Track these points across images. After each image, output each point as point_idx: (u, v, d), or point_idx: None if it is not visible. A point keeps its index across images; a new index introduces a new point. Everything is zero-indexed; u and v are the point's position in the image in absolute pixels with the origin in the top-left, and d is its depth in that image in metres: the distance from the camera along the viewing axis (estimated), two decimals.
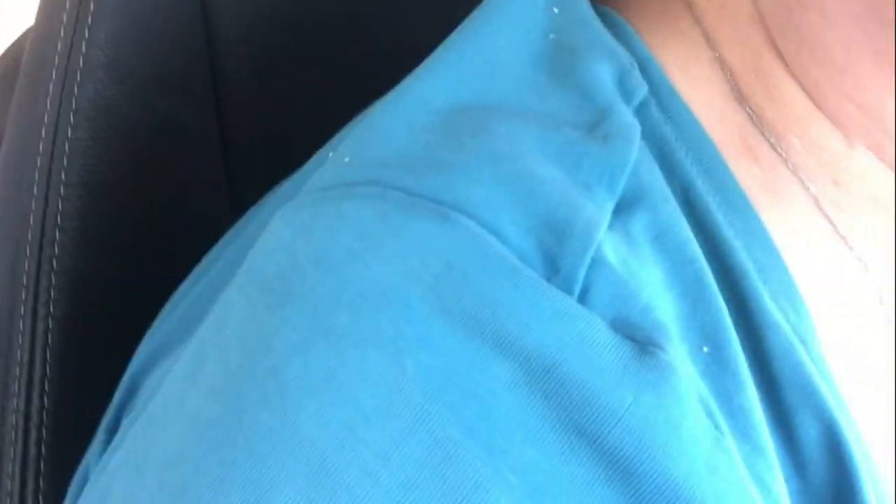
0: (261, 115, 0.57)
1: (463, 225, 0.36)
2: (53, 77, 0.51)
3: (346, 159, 0.40)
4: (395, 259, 0.35)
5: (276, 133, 0.57)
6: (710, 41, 0.45)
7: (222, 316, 0.38)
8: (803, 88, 0.44)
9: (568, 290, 0.36)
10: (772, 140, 0.45)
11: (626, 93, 0.43)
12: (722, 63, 0.45)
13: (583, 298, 0.36)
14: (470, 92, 0.42)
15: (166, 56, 0.53)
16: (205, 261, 0.48)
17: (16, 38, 0.70)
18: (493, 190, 0.37)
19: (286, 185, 0.46)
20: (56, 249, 0.49)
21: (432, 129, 0.40)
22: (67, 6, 0.51)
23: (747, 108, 0.45)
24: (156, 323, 0.48)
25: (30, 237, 0.50)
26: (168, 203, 0.55)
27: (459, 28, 0.45)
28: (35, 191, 0.50)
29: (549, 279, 0.36)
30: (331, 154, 0.42)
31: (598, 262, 0.37)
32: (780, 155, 0.45)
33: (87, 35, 0.51)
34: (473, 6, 0.47)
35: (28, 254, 0.50)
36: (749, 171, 0.45)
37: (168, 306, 0.48)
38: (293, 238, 0.37)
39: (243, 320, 0.37)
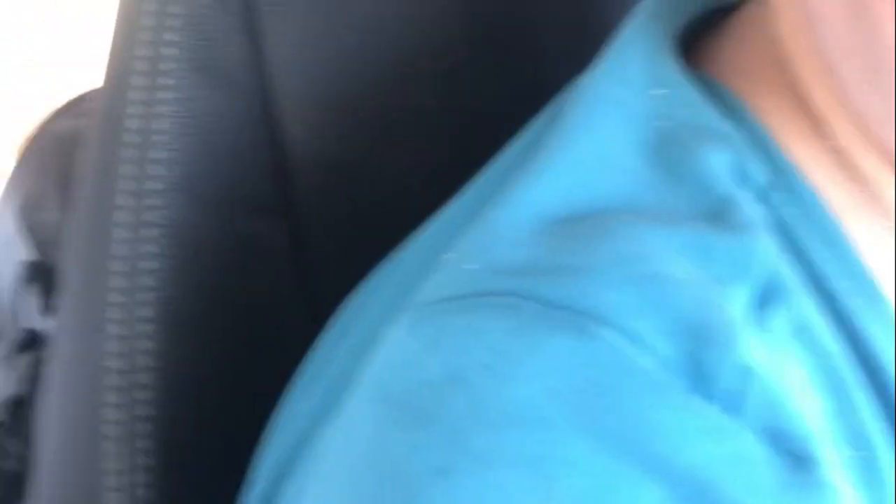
0: (334, 226, 0.53)
1: (602, 336, 0.35)
2: (122, 203, 0.47)
3: (469, 266, 0.39)
4: (535, 376, 0.34)
5: (352, 243, 0.54)
6: (811, 104, 0.43)
7: (349, 435, 0.37)
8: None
9: (714, 401, 0.35)
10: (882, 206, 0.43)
11: (744, 178, 0.41)
12: (822, 125, 0.43)
13: (731, 409, 0.35)
14: (586, 194, 0.40)
15: (235, 171, 0.50)
16: (306, 375, 0.46)
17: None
18: (628, 294, 0.36)
19: (388, 280, 0.45)
20: (141, 394, 0.46)
21: (555, 235, 0.39)
22: (127, 125, 0.47)
23: (859, 175, 0.43)
24: (265, 448, 0.45)
25: (115, 382, 0.46)
26: (246, 322, 0.51)
27: (564, 119, 0.43)
28: (111, 330, 0.46)
29: (694, 389, 0.35)
30: (445, 257, 0.40)
31: (743, 366, 0.35)
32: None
33: (152, 155, 0.47)
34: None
35: (116, 401, 0.46)
36: (865, 240, 0.42)
37: (276, 427, 0.45)
38: (421, 352, 0.36)
39: (373, 440, 0.35)
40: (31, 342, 0.75)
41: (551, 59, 0.57)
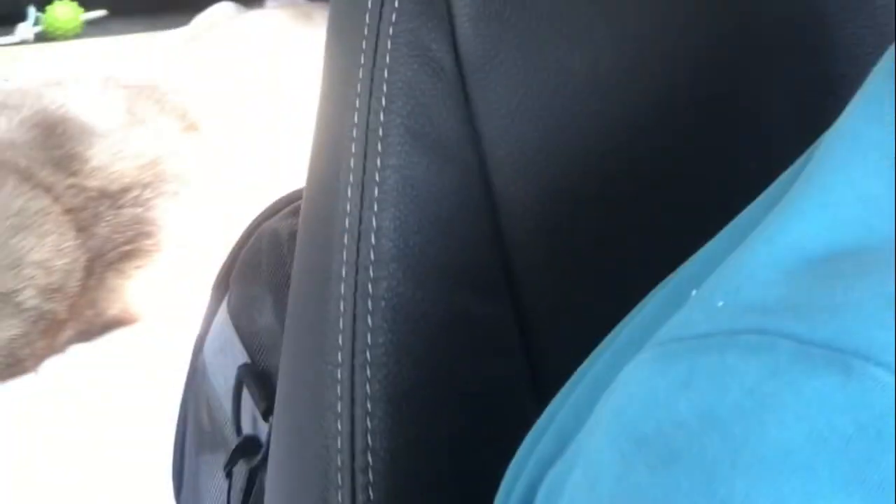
0: (559, 303, 0.50)
1: (870, 375, 0.32)
2: (343, 274, 0.45)
3: (720, 303, 0.37)
4: (796, 419, 0.32)
5: (579, 321, 0.50)
6: None
7: (593, 472, 0.36)
8: None
9: None
10: None
11: None
12: None
13: None
14: (848, 234, 0.38)
15: (456, 244, 0.48)
16: (535, 430, 0.44)
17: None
18: None
19: (629, 330, 0.43)
20: (370, 476, 0.43)
21: (813, 274, 0.37)
22: (349, 194, 0.46)
23: None
24: None
25: (339, 463, 0.43)
26: (471, 402, 0.48)
27: (818, 160, 0.41)
28: (339, 408, 0.44)
29: None
30: (694, 292, 0.39)
31: None
32: None
33: (374, 224, 0.45)
34: None
35: (340, 483, 0.43)
36: None
37: (504, 485, 0.44)
38: (671, 391, 0.35)
39: (620, 479, 0.34)
40: (250, 449, 0.73)
41: (775, 125, 0.54)
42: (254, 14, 1.98)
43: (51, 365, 1.42)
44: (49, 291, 1.40)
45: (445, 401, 0.47)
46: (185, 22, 2.04)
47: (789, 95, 0.53)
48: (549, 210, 0.50)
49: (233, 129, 1.67)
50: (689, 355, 0.36)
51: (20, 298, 1.39)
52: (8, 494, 1.32)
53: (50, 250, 1.41)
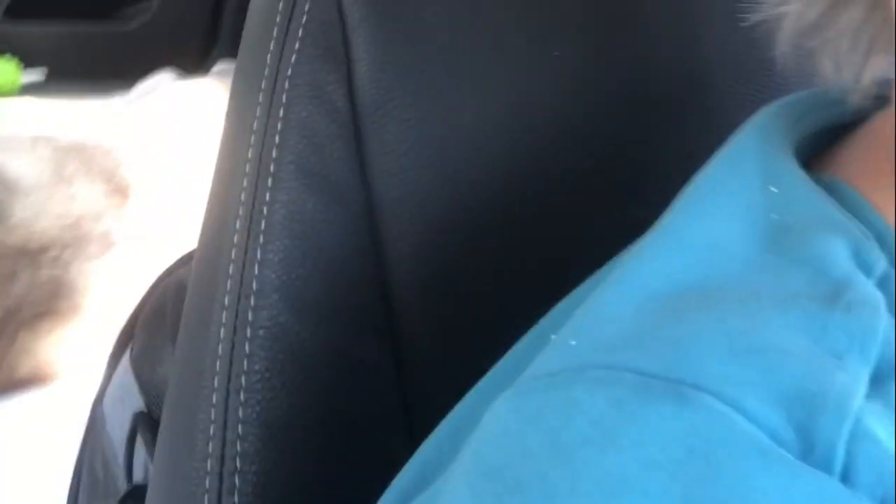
0: (438, 348, 0.51)
1: (702, 404, 0.34)
2: (226, 302, 0.46)
3: (573, 342, 0.39)
4: (632, 446, 0.34)
5: (458, 366, 0.52)
6: None
7: None
8: None
9: (827, 469, 0.33)
10: None
11: (864, 266, 0.40)
12: None
13: (845, 477, 0.33)
14: (696, 276, 0.40)
15: (338, 281, 0.49)
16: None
17: None
18: (732, 364, 0.35)
19: (494, 373, 0.45)
20: (236, 498, 0.43)
21: (660, 311, 0.39)
22: (237, 226, 0.47)
23: None
24: None
25: (207, 484, 0.44)
26: (343, 435, 0.49)
27: (675, 209, 0.43)
28: (211, 431, 0.44)
29: (804, 458, 0.33)
30: (553, 337, 0.40)
31: (858, 434, 0.34)
32: None
33: (259, 255, 0.46)
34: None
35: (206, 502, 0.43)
36: None
37: None
38: (522, 425, 0.36)
39: None
40: (137, 497, 0.73)
41: (663, 174, 0.55)
42: (191, 83, 2.00)
43: None
44: None
45: (318, 431, 0.48)
46: (126, 89, 2.05)
47: (678, 147, 0.55)
48: (434, 256, 0.51)
49: (163, 193, 1.67)
50: (541, 391, 0.37)
51: None
52: None
53: None
